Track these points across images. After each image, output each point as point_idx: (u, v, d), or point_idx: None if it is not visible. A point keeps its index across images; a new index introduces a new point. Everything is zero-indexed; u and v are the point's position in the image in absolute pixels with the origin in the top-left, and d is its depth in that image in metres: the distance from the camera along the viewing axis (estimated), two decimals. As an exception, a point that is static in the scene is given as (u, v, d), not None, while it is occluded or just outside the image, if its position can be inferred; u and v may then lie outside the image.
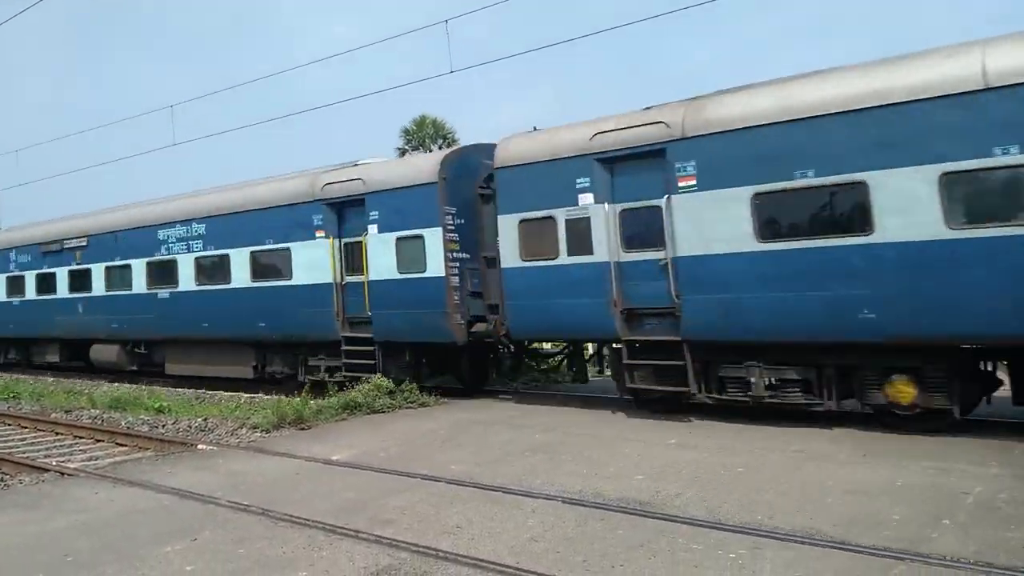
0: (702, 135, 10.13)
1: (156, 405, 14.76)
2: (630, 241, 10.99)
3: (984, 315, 8.14)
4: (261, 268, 15.95)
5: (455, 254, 13.05)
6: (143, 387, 18.50)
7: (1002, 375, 9.36)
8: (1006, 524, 5.76)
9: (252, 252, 16.03)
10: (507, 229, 12.20)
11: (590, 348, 13.62)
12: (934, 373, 8.84)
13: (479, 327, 13.10)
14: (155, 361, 19.25)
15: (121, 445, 11.95)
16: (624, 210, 11.02)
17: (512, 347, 14.22)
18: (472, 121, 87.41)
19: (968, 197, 8.34)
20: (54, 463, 10.49)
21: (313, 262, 14.83)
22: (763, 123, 9.60)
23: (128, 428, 13.05)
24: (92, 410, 15.29)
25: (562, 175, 11.48)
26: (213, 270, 16.92)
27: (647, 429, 10.19)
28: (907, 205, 8.54)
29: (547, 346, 15.44)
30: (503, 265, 12.25)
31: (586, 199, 11.29)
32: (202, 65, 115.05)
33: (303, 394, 13.04)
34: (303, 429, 11.63)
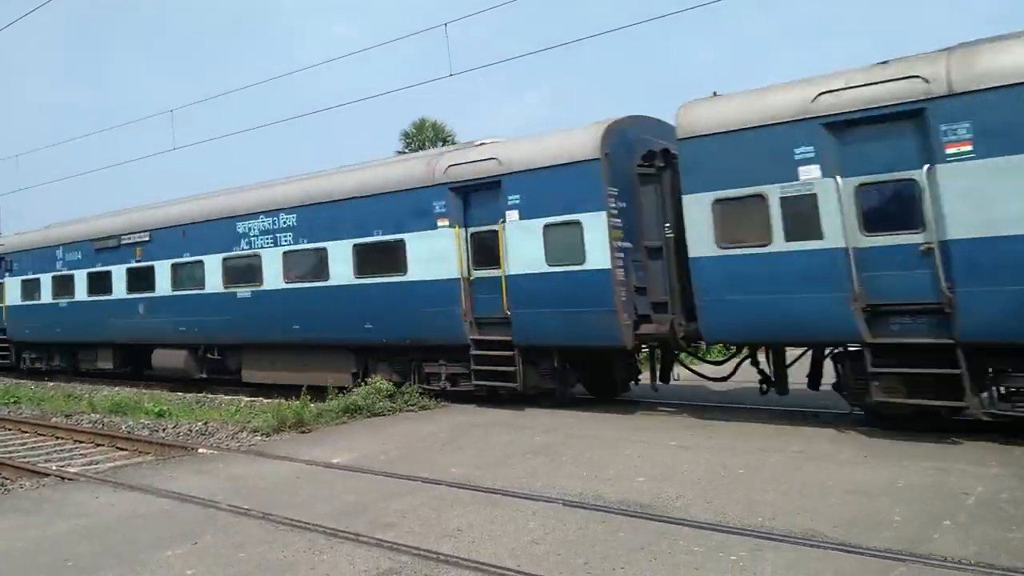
0: (978, 90, 8.34)
1: (156, 409, 14.75)
2: (872, 222, 9.13)
3: None
4: (367, 263, 14.15)
5: (619, 243, 11.31)
6: (143, 391, 18.52)
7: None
8: (1007, 524, 5.76)
9: (356, 245, 14.24)
10: (697, 211, 10.32)
11: (751, 354, 11.14)
12: None
13: (645, 328, 11.41)
14: (229, 368, 17.44)
15: (121, 449, 11.95)
16: (863, 185, 9.16)
17: (684, 352, 12.26)
18: (473, 123, 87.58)
19: None
20: (54, 467, 10.48)
21: (433, 255, 13.11)
22: None
23: (128, 432, 13.04)
24: (92, 414, 15.28)
25: (773, 144, 9.69)
26: (307, 266, 15.16)
27: (647, 430, 10.19)
28: None
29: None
30: (692, 254, 10.38)
31: (809, 172, 9.45)
32: (202, 67, 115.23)
33: (303, 396, 13.01)
34: (303, 432, 11.62)
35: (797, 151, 9.52)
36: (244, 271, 16.35)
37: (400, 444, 10.25)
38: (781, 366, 10.79)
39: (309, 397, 13.03)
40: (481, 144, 13.48)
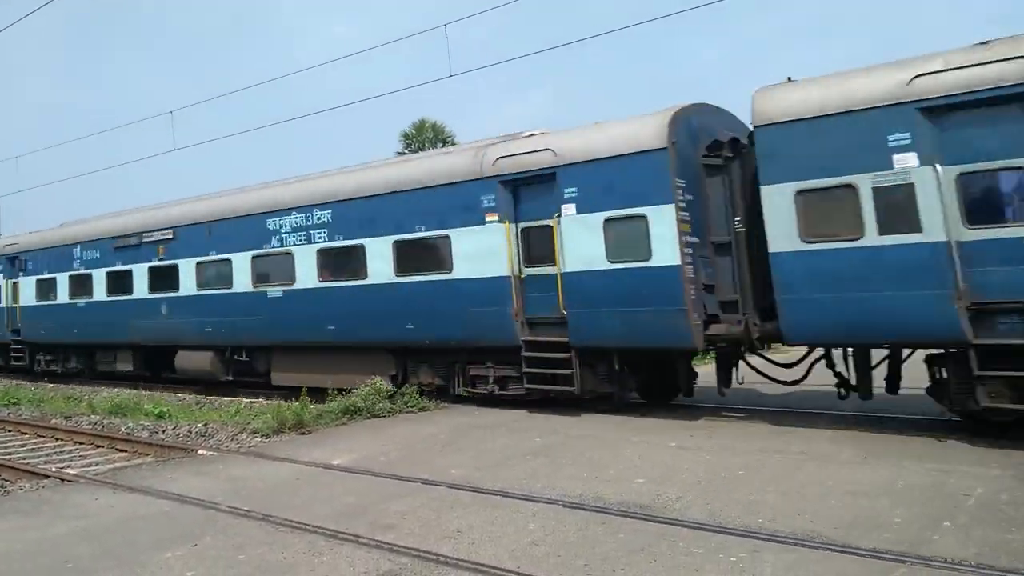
0: None
1: (156, 411, 14.76)
2: (976, 214, 8.56)
3: None
4: (408, 260, 13.50)
5: (687, 237, 10.67)
6: (143, 392, 18.52)
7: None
8: (1007, 526, 5.76)
9: (396, 242, 13.60)
10: (778, 203, 9.66)
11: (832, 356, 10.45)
12: None
13: (715, 328, 10.72)
14: (257, 370, 16.69)
15: (121, 451, 11.95)
16: (966, 173, 8.58)
17: (754, 354, 11.37)
18: (472, 124, 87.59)
19: None
20: (54, 469, 10.47)
21: (481, 251, 12.46)
22: None
23: (128, 434, 13.05)
24: (92, 416, 15.28)
25: (864, 131, 9.09)
26: (342, 264, 14.50)
27: (648, 431, 10.19)
28: None
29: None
30: (773, 249, 9.69)
31: (905, 160, 8.83)
32: (202, 67, 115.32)
33: (301, 398, 13.01)
34: (303, 434, 11.62)
35: (891, 138, 8.92)
36: (275, 269, 15.68)
37: (400, 445, 10.25)
38: (865, 369, 10.06)
39: (309, 398, 13.04)
40: (531, 135, 12.86)
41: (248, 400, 16.15)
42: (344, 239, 14.45)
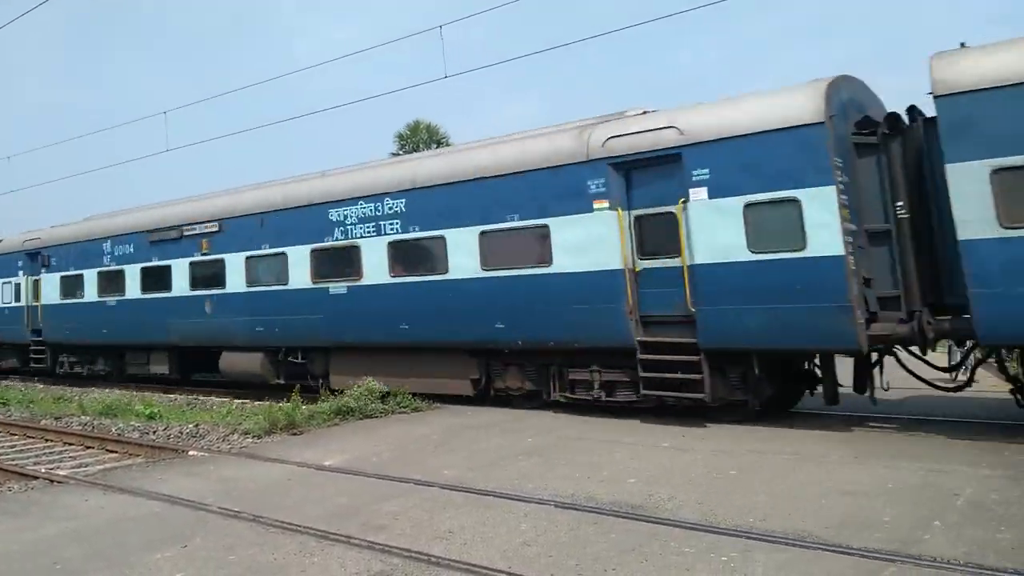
0: None
1: (147, 412, 14.67)
2: None
3: None
4: (498, 253, 12.31)
5: (847, 225, 9.43)
6: (134, 393, 18.42)
7: None
8: (996, 525, 5.79)
9: (483, 233, 12.44)
10: (968, 184, 8.49)
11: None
12: None
13: (878, 328, 9.51)
14: (312, 372, 15.55)
15: (111, 452, 11.88)
16: None
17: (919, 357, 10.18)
18: (467, 125, 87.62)
19: None
20: (43, 470, 10.41)
21: (587, 242, 11.25)
22: None
23: (118, 435, 12.97)
24: (82, 417, 15.18)
25: None
26: (419, 257, 13.39)
27: (640, 432, 10.19)
28: None
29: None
30: (963, 236, 8.54)
31: None
32: (198, 68, 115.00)
33: (293, 398, 12.97)
34: (295, 434, 11.58)
35: None
36: (338, 264, 14.51)
37: (392, 446, 10.23)
38: None
39: (301, 399, 13.00)
40: (643, 113, 11.61)
41: (239, 401, 16.08)
42: (420, 230, 13.31)
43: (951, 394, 10.12)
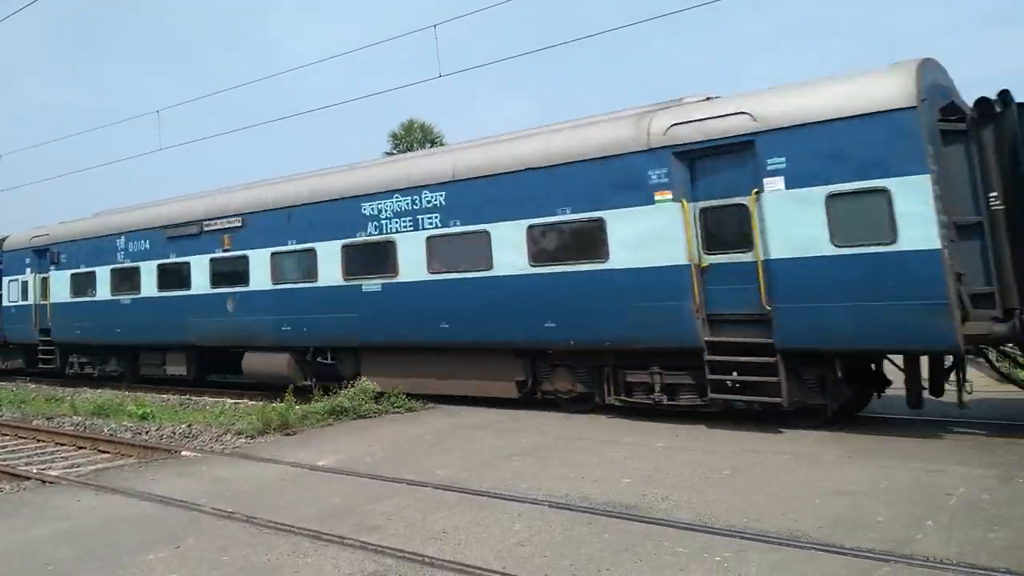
0: None
1: (139, 412, 14.62)
2: None
3: None
4: (548, 248, 11.70)
5: (941, 217, 8.80)
6: (127, 393, 18.34)
7: None
8: (988, 525, 5.81)
9: (532, 227, 11.79)
10: None
11: None
12: None
13: (973, 327, 8.80)
14: (341, 374, 14.73)
15: (103, 452, 11.83)
16: None
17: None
18: (462, 125, 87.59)
19: None
20: (35, 470, 10.37)
21: (647, 236, 10.62)
22: None
23: (111, 435, 12.93)
24: (74, 417, 15.13)
25: None
26: (460, 253, 12.69)
27: (635, 432, 10.20)
28: None
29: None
30: None
31: None
32: (191, 66, 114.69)
33: (287, 397, 12.94)
34: (288, 435, 11.56)
35: None
36: (372, 260, 13.83)
37: (386, 446, 10.21)
38: None
39: (295, 399, 12.97)
40: (706, 99, 10.99)
41: (233, 401, 16.03)
42: (461, 224, 12.64)
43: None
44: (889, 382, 10.56)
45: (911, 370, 9.67)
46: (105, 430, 13.50)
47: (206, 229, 16.67)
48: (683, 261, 10.34)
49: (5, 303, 22.81)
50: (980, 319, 8.93)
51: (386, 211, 13.63)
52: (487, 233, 12.32)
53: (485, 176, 12.45)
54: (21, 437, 13.60)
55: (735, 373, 10.02)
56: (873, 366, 10.53)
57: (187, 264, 17.07)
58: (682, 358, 10.60)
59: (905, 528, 5.83)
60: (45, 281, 21.49)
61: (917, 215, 8.78)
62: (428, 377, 13.39)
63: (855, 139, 9.22)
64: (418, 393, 12.66)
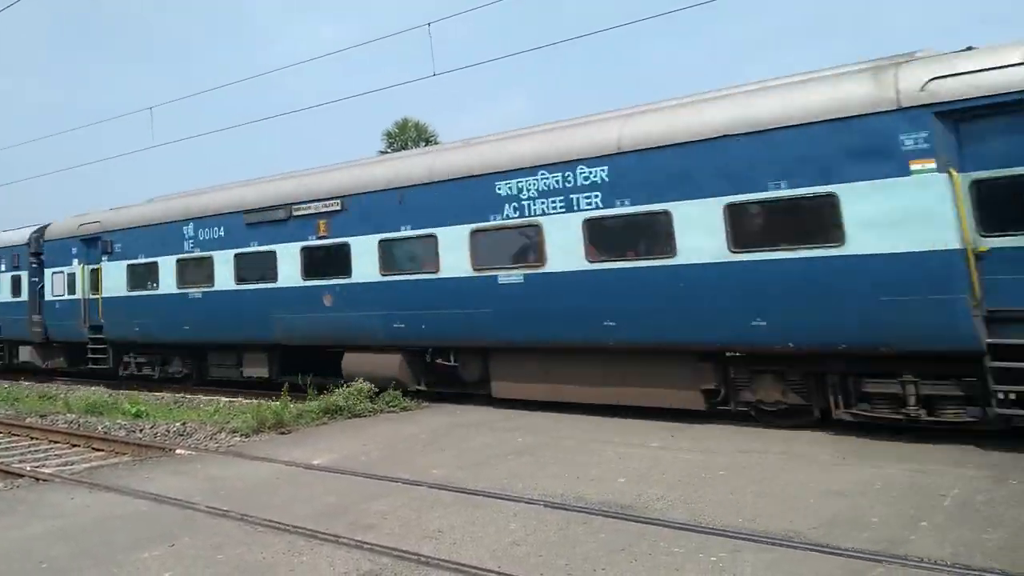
0: None
1: (134, 410, 14.59)
2: None
3: None
4: (755, 231, 9.87)
5: None
6: (121, 392, 18.28)
7: None
8: (982, 525, 5.84)
9: (730, 206, 9.89)
10: None
11: None
12: None
13: None
14: (464, 378, 13.30)
15: (97, 450, 11.80)
16: None
17: None
18: (456, 123, 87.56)
19: None
20: (29, 468, 10.34)
21: (900, 214, 8.73)
22: None
23: (105, 433, 12.88)
24: (68, 415, 15.08)
25: None
26: (629, 238, 10.99)
27: (631, 432, 10.21)
28: None
29: None
30: None
31: None
32: (184, 65, 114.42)
33: (283, 396, 12.92)
34: (283, 433, 11.54)
35: None
36: (509, 248, 12.14)
37: (381, 445, 10.20)
38: None
39: (290, 398, 12.96)
40: (969, 49, 9.06)
41: (227, 399, 16.00)
42: (631, 204, 10.80)
43: None
44: None
45: None
46: (99, 428, 13.45)
47: (295, 214, 14.91)
48: (955, 245, 8.43)
49: (48, 297, 20.99)
50: None
51: (529, 190, 11.84)
52: (668, 214, 10.45)
53: (662, 147, 10.57)
54: (15, 435, 13.55)
55: None
56: None
57: (272, 253, 15.27)
58: (947, 364, 8.74)
59: (899, 529, 5.85)
60: (95, 273, 19.50)
61: None
62: (577, 384, 11.67)
63: None
64: (563, 402, 11.47)
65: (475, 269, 12.38)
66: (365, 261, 13.80)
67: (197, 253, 16.77)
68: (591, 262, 11.15)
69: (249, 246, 15.73)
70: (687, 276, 10.27)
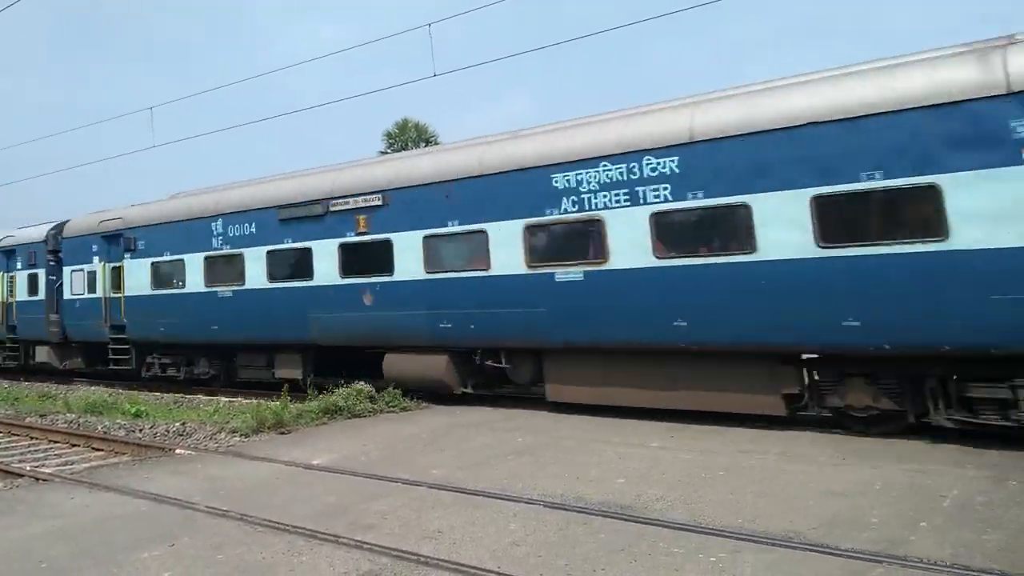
0: None
1: (133, 410, 14.58)
2: None
3: None
4: (844, 225, 9.25)
5: None
6: (120, 391, 18.28)
7: None
8: (982, 526, 5.84)
9: (817, 199, 9.33)
10: None
11: None
12: None
13: None
14: (514, 379, 12.80)
15: (97, 450, 11.80)
16: None
17: None
18: (457, 123, 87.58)
19: None
20: (28, 468, 10.33)
21: (1009, 207, 8.21)
22: None
23: (104, 432, 12.88)
24: (68, 414, 15.07)
25: None
26: (701, 233, 10.44)
27: (631, 432, 10.21)
28: None
29: None
30: None
31: None
32: (183, 66, 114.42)
33: (283, 396, 12.92)
34: (283, 433, 11.54)
35: None
36: (568, 243, 11.58)
37: (381, 445, 10.20)
38: None
39: (290, 397, 12.96)
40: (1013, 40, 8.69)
41: (227, 399, 16.00)
42: (704, 197, 10.23)
43: None
44: None
45: None
46: (99, 428, 13.45)
47: (332, 209, 14.33)
48: None
49: (67, 296, 20.39)
50: None
51: (589, 183, 11.25)
52: (747, 207, 9.88)
53: (739, 136, 10.01)
54: (14, 435, 13.54)
55: None
56: None
57: (308, 250, 14.71)
58: None
59: (899, 529, 5.86)
60: (118, 271, 18.85)
61: None
62: (640, 387, 11.06)
63: None
64: (621, 407, 11.06)
65: (529, 266, 11.84)
66: (408, 257, 13.27)
67: (226, 250, 16.20)
68: (659, 258, 10.62)
69: (283, 243, 15.16)
70: (769, 273, 9.71)
